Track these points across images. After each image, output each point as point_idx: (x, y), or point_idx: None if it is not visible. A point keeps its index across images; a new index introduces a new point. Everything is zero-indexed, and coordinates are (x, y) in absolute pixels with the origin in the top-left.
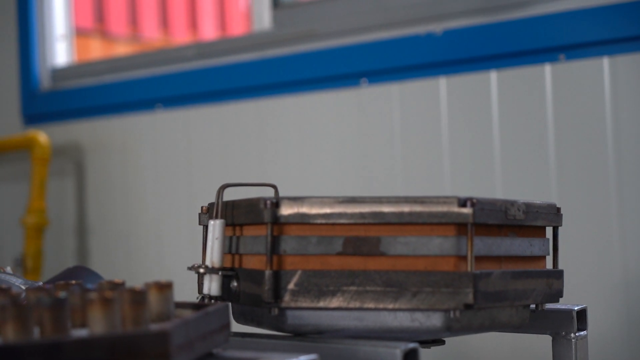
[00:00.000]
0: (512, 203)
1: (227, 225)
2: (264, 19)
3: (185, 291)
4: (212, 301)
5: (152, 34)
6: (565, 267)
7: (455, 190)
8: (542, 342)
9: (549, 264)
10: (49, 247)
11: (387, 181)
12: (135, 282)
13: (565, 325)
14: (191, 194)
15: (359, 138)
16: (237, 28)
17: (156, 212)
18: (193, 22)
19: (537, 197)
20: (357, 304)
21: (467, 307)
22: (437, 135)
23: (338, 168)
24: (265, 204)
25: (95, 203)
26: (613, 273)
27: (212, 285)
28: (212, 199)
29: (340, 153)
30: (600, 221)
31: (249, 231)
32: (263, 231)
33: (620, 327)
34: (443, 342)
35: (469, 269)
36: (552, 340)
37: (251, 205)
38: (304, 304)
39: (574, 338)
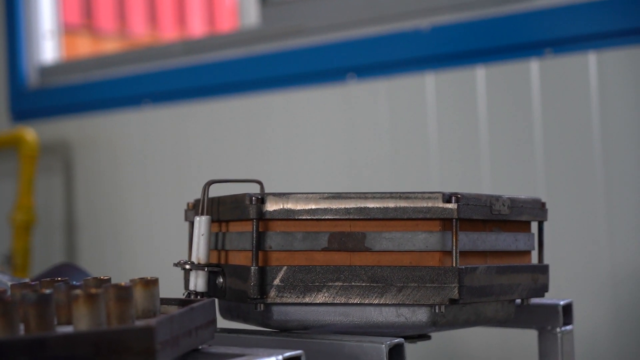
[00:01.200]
0: (497, 198)
1: (212, 221)
2: (252, 15)
3: (175, 287)
4: (198, 297)
5: (140, 30)
6: (553, 262)
7: (444, 185)
8: (529, 337)
9: (534, 259)
10: (37, 244)
11: (375, 176)
12: (124, 278)
13: (551, 320)
14: (179, 189)
15: (346, 133)
16: (225, 24)
17: (145, 208)
18: (181, 18)
19: (525, 192)
20: (343, 300)
21: (453, 302)
22: (424, 131)
23: (326, 163)
24: (251, 200)
25: (83, 200)
26: (601, 268)
27: (198, 282)
28: (200, 195)
29: (328, 148)
30: (587, 216)
31: (234, 227)
32: (248, 227)
33: (608, 322)
34: (429, 337)
35: (454, 264)
36: (538, 335)
37: (237, 202)
38: (290, 300)
39: (559, 332)
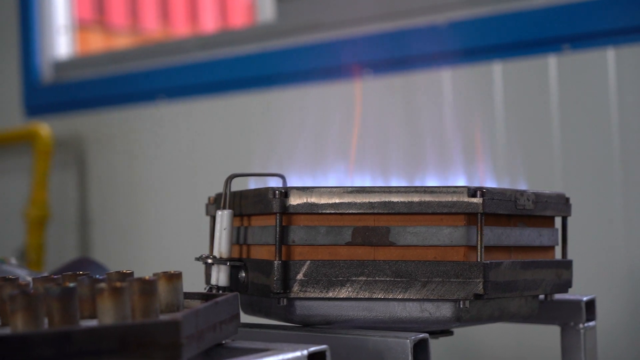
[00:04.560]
0: (522, 193)
1: (234, 215)
2: (267, 11)
3: (189, 283)
4: (220, 292)
5: (152, 26)
6: (571, 258)
7: (460, 183)
8: (551, 333)
9: (557, 254)
10: (51, 239)
11: (391, 172)
12: (139, 274)
13: (574, 316)
14: (194, 185)
15: (361, 129)
16: (238, 19)
17: (158, 203)
18: (193, 14)
19: (543, 188)
20: (366, 294)
21: (477, 297)
22: (440, 126)
23: (343, 159)
24: (274, 194)
25: (97, 195)
26: (618, 263)
27: (220, 276)
28: (216, 190)
29: (342, 144)
30: (605, 212)
31: (257, 221)
32: (271, 221)
33: (626, 317)
34: (451, 333)
35: (478, 259)
36: (561, 331)
37: (259, 195)
38: (313, 295)
39: (582, 329)
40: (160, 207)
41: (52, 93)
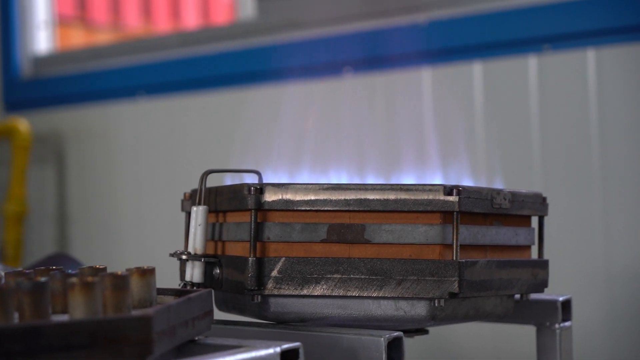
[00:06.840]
0: (498, 192)
1: (210, 211)
2: (248, 8)
3: (166, 278)
4: (194, 288)
5: (133, 22)
6: (548, 258)
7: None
8: (527, 333)
9: (534, 254)
10: (29, 235)
11: (368, 170)
12: (116, 269)
13: (550, 316)
14: (172, 181)
15: (341, 127)
16: (219, 17)
17: (137, 200)
18: (175, 11)
19: (521, 187)
20: (341, 292)
21: (452, 295)
22: (420, 126)
23: (321, 157)
24: (249, 190)
25: (76, 191)
26: (596, 263)
27: (194, 272)
28: (194, 186)
29: (322, 142)
30: (584, 212)
31: (232, 218)
32: (246, 218)
33: (603, 317)
34: (427, 332)
35: (454, 257)
36: (537, 331)
37: (235, 192)
38: (287, 292)
39: (558, 329)
40: (139, 202)
41: (32, 88)
